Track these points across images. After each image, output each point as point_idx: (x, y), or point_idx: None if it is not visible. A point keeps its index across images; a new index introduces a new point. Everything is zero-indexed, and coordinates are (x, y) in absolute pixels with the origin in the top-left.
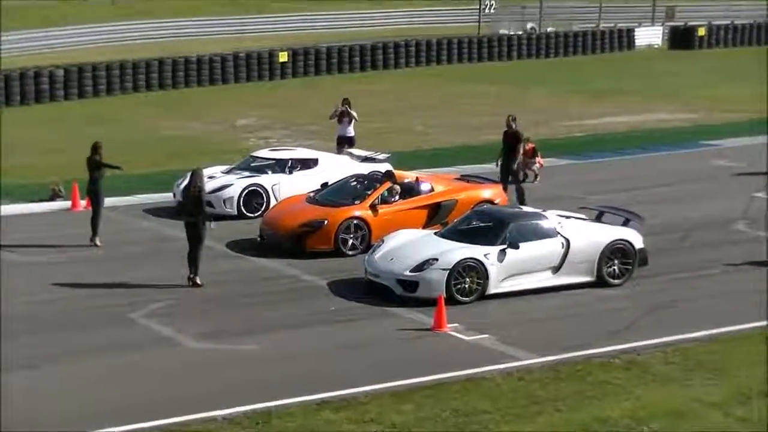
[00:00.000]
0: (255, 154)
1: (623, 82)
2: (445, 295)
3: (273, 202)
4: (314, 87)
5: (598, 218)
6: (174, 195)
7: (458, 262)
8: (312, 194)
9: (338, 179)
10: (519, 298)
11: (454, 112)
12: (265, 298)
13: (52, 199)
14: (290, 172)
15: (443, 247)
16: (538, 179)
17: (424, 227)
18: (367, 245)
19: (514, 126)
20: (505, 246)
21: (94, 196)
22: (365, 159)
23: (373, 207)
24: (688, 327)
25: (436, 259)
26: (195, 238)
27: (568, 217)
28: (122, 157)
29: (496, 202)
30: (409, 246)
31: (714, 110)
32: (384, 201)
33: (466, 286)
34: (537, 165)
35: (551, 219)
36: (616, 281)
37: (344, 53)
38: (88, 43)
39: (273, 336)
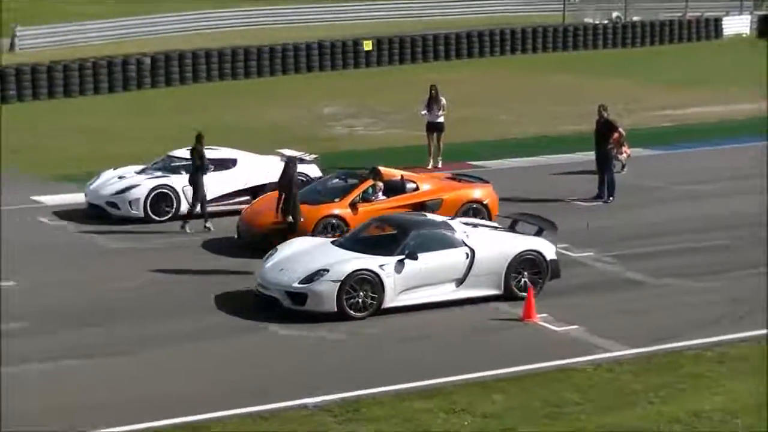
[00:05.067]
0: (172, 153)
1: (711, 71)
2: (335, 309)
3: (184, 204)
4: (399, 76)
5: (512, 227)
6: (85, 195)
7: (350, 274)
8: None
9: (262, 182)
10: (609, 290)
11: (538, 101)
12: None
13: None
14: (204, 173)
15: (336, 258)
16: (624, 169)
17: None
18: None
19: (605, 115)
20: (403, 256)
21: (196, 184)
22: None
23: (353, 205)
24: None
25: (327, 270)
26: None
27: (476, 226)
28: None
29: (485, 202)
30: (302, 255)
31: None
32: (365, 199)
33: (360, 300)
34: (624, 155)
35: (457, 228)
36: (525, 294)
37: (429, 42)
38: (175, 32)
39: (357, 325)
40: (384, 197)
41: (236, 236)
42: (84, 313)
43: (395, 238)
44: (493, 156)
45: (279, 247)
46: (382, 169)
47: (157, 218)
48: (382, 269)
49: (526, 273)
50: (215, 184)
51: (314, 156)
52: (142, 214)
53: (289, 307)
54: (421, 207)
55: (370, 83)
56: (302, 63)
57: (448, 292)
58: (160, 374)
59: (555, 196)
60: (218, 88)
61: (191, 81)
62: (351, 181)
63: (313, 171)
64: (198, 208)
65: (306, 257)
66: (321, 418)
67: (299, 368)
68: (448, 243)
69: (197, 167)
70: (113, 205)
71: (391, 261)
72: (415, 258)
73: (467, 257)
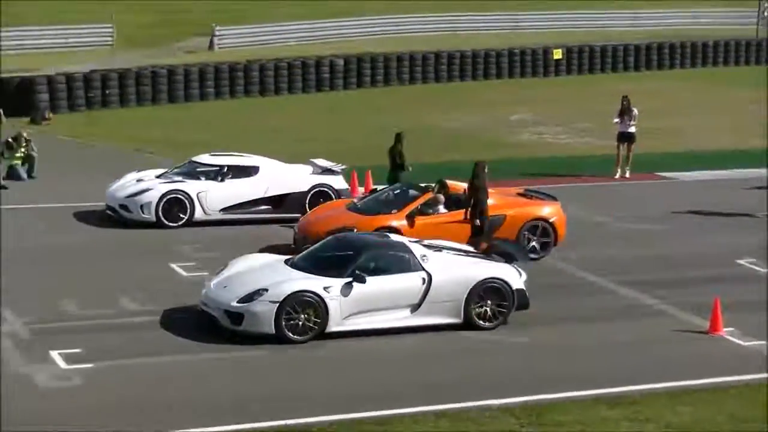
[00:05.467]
0: (195, 159)
1: None
2: (273, 330)
3: (198, 211)
4: (588, 85)
5: (486, 253)
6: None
7: (290, 295)
8: (355, 200)
9: (285, 191)
10: None
11: (729, 114)
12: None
13: None
14: (222, 180)
15: (281, 277)
16: None
17: (468, 242)
18: None
19: None
20: (351, 279)
21: (395, 183)
22: (325, 170)
23: (410, 217)
24: None
25: (266, 290)
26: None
27: (440, 249)
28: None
29: (551, 220)
30: (250, 273)
31: None
32: (423, 212)
33: (300, 323)
34: None
35: (415, 251)
36: (487, 324)
37: (619, 52)
38: (369, 35)
39: (538, 331)
40: (445, 210)
41: (293, 244)
42: None
43: (347, 259)
44: (682, 167)
45: (230, 263)
46: (448, 182)
47: (169, 224)
48: (327, 291)
49: (489, 302)
50: (234, 191)
51: (343, 167)
52: (153, 218)
53: (227, 327)
54: None
55: (559, 91)
56: (492, 70)
57: (401, 318)
58: (343, 367)
59: (744, 210)
60: (408, 91)
61: (382, 84)
62: (412, 192)
63: (338, 183)
64: None
65: (251, 276)
66: (504, 420)
67: (482, 369)
68: (404, 266)
69: (397, 165)
70: (125, 207)
71: (338, 283)
72: (363, 281)
73: (424, 282)
